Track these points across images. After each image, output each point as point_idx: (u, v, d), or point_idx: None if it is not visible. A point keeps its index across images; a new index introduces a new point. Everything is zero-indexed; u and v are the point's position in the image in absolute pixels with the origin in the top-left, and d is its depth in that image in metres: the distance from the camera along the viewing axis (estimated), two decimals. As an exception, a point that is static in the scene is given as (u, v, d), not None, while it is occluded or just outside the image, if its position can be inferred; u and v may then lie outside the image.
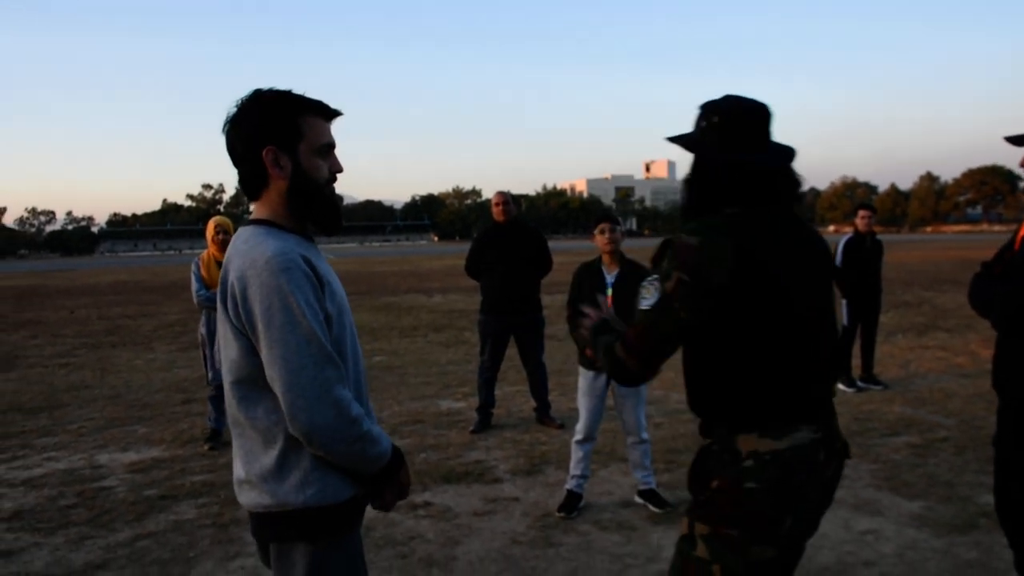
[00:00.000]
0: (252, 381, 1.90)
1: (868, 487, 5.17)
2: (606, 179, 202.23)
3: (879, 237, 8.63)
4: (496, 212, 7.02)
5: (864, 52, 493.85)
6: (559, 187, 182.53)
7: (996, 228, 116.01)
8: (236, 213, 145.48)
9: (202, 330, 6.48)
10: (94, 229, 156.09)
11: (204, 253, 6.52)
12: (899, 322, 13.13)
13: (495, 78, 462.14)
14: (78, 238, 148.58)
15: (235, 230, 2.26)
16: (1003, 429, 3.12)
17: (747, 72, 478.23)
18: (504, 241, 6.95)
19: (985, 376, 8.35)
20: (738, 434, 2.08)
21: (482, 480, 5.45)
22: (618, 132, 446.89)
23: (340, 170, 2.07)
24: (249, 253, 1.87)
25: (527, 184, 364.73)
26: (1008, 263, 3.08)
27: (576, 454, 4.91)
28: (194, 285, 6.40)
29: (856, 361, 8.48)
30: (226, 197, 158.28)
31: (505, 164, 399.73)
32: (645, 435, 4.94)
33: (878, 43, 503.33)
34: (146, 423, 7.34)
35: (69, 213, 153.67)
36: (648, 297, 2.08)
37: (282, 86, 2.02)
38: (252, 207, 2.07)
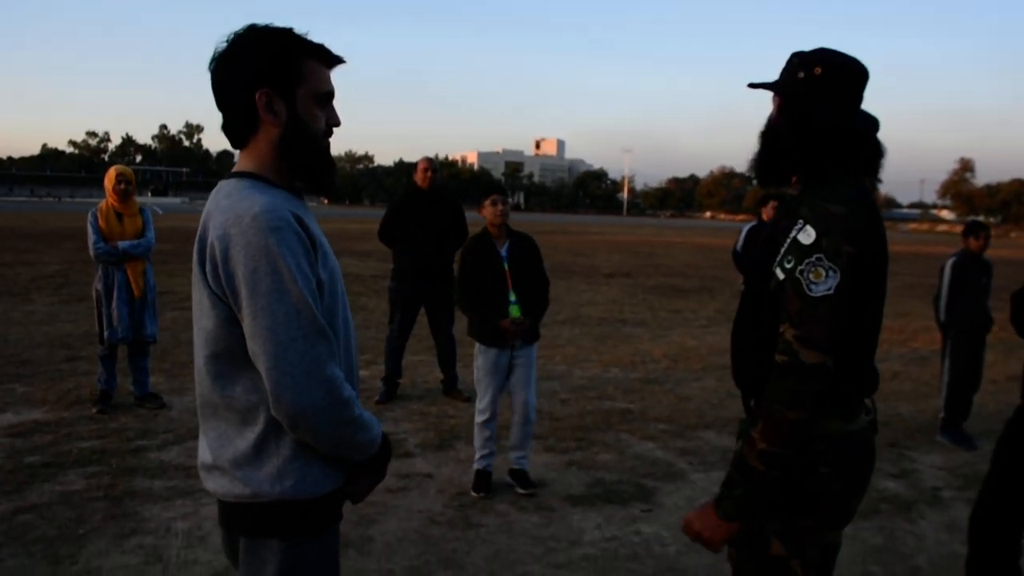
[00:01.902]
0: (231, 355, 1.67)
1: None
2: (497, 153, 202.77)
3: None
4: (420, 178, 6.80)
5: (742, 44, 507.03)
6: (451, 158, 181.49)
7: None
8: (122, 164, 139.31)
9: (98, 286, 6.03)
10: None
11: (102, 203, 6.05)
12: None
13: (391, 46, 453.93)
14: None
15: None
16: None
17: (636, 61, 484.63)
18: (423, 208, 6.73)
19: (898, 360, 8.81)
20: None
21: (392, 454, 5.24)
22: (511, 107, 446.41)
23: (338, 123, 1.85)
24: (233, 208, 1.63)
25: (418, 152, 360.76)
26: None
27: (484, 433, 4.74)
28: (91, 237, 5.93)
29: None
30: (111, 147, 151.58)
31: (398, 131, 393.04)
32: (533, 416, 4.84)
33: (757, 35, 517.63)
34: (26, 381, 6.82)
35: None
36: (819, 281, 1.82)
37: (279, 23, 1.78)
38: (236, 156, 1.82)
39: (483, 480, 4.72)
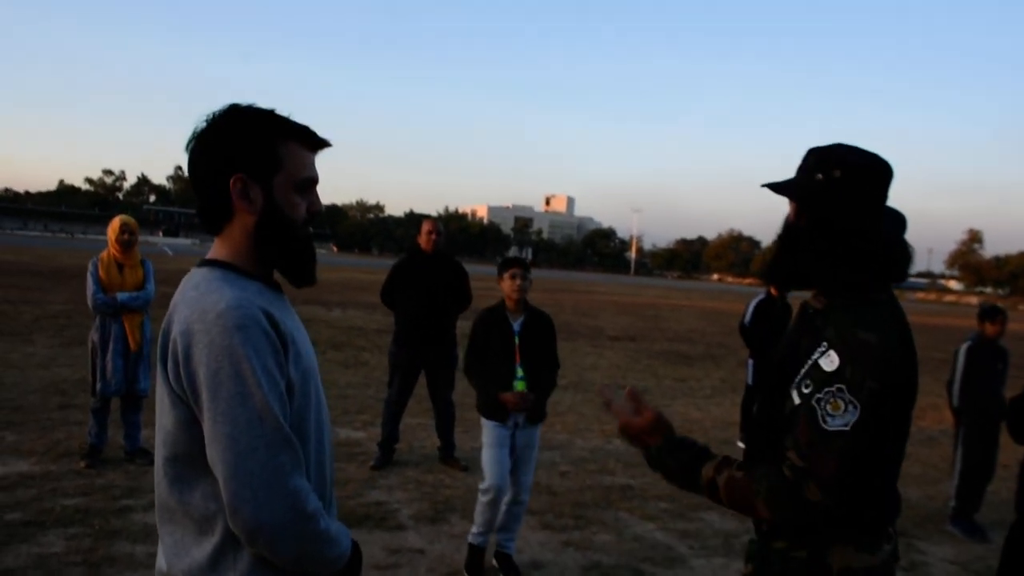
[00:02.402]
0: (190, 459, 1.56)
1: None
2: (507, 207, 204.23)
3: (788, 300, 8.71)
4: (424, 240, 6.72)
5: (755, 109, 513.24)
6: (460, 210, 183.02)
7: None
8: (136, 203, 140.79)
9: (94, 336, 5.94)
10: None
11: (104, 253, 5.99)
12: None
13: (405, 98, 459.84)
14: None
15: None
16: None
17: (650, 122, 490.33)
18: (426, 271, 6.65)
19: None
20: (833, 545, 1.81)
21: (384, 526, 5.10)
22: (522, 162, 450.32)
23: (320, 211, 1.74)
24: (199, 302, 1.54)
25: (429, 204, 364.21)
26: None
27: (485, 513, 4.51)
28: (91, 287, 5.86)
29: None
30: (126, 185, 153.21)
31: (409, 183, 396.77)
32: (526, 497, 4.67)
33: (767, 102, 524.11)
34: (16, 429, 6.69)
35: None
36: (837, 414, 1.69)
37: (262, 103, 1.69)
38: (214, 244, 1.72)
39: (476, 558, 4.54)
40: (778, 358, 1.99)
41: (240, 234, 1.67)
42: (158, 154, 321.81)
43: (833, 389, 1.71)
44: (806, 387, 1.76)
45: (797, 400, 1.78)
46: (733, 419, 9.42)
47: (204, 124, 1.65)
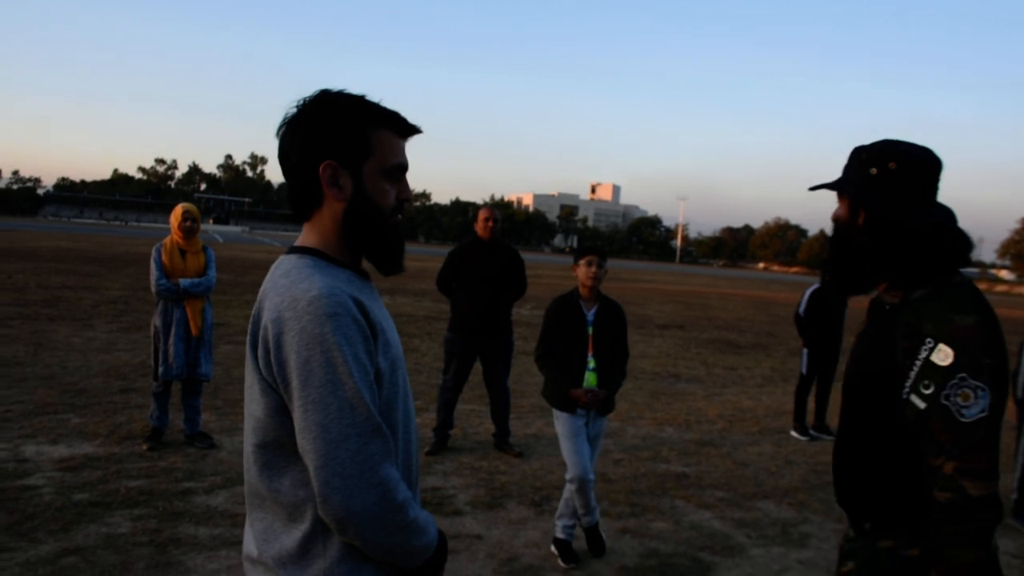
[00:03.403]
0: (279, 446, 1.57)
1: (837, 549, 4.96)
2: (552, 196, 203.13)
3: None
4: (481, 228, 6.71)
5: (803, 98, 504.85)
6: (506, 198, 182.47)
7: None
8: (187, 191, 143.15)
9: (156, 321, 6.05)
10: (40, 191, 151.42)
11: (167, 239, 6.09)
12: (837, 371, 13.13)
13: (450, 84, 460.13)
14: (23, 199, 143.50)
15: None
16: None
17: (695, 110, 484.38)
18: (483, 259, 6.65)
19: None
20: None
21: (441, 511, 5.12)
22: (568, 151, 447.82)
23: (409, 197, 1.74)
24: (290, 290, 1.54)
25: (475, 192, 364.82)
26: None
27: (580, 498, 4.52)
28: (154, 273, 5.97)
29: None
30: (178, 174, 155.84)
31: (455, 171, 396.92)
32: (593, 476, 4.63)
33: (813, 91, 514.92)
34: (80, 412, 6.85)
35: (15, 173, 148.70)
36: (969, 404, 1.66)
37: (354, 90, 1.68)
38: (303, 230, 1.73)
39: (567, 549, 4.55)
40: (856, 358, 1.96)
41: (329, 221, 1.66)
42: (209, 143, 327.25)
43: (956, 381, 1.68)
44: (926, 388, 1.72)
45: (922, 404, 1.73)
46: (786, 408, 9.31)
47: (295, 110, 1.65)
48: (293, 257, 1.65)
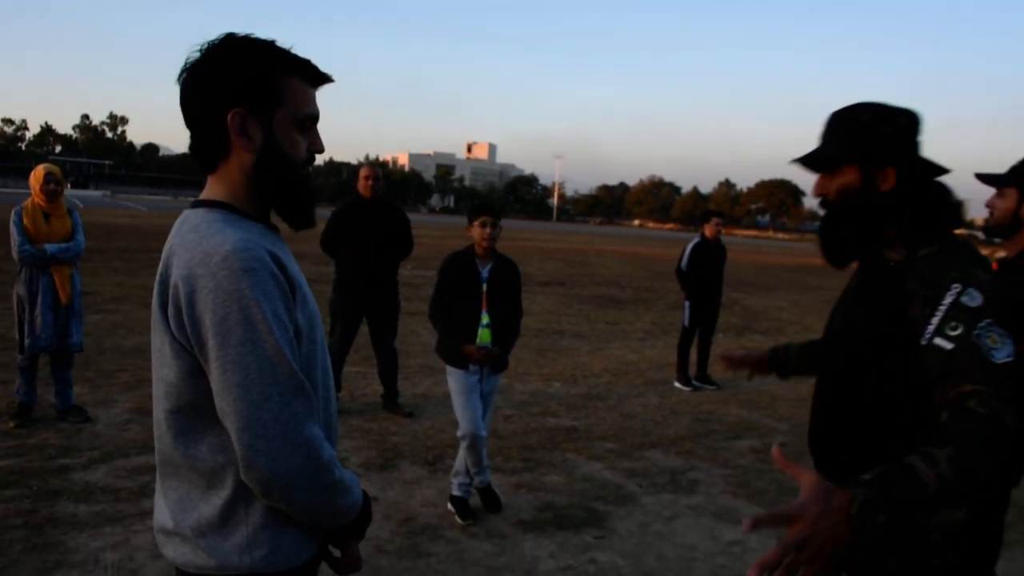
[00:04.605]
0: (195, 410, 1.49)
1: (724, 494, 5.21)
2: (428, 155, 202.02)
3: (723, 243, 8.86)
4: (363, 187, 6.56)
5: (677, 56, 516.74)
6: (382, 158, 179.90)
7: (780, 235, 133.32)
8: (40, 153, 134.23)
9: (20, 290, 5.66)
10: None
11: (27, 202, 5.67)
12: (718, 323, 13.65)
13: (326, 42, 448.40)
14: None
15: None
16: None
17: (571, 70, 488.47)
18: (367, 218, 6.51)
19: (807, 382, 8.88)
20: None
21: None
22: (443, 110, 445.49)
23: (321, 149, 1.66)
24: (200, 245, 1.44)
25: (349, 152, 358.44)
26: None
27: (472, 455, 4.54)
28: (16, 238, 5.55)
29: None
30: (29, 135, 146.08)
31: (327, 131, 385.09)
32: (485, 433, 4.66)
33: (693, 49, 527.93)
34: (-64, 390, 6.40)
35: None
36: (998, 347, 1.60)
37: (260, 35, 1.58)
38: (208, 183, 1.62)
39: (463, 506, 4.57)
40: (850, 320, 1.93)
41: (238, 173, 1.57)
42: (63, 103, 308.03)
43: (985, 324, 1.63)
44: (953, 329, 1.64)
45: (949, 345, 1.64)
46: (668, 360, 9.57)
47: (198, 55, 1.54)
48: (200, 211, 1.55)
